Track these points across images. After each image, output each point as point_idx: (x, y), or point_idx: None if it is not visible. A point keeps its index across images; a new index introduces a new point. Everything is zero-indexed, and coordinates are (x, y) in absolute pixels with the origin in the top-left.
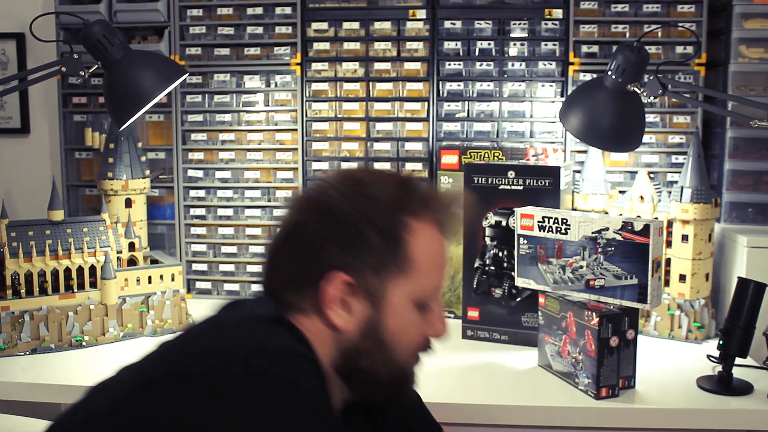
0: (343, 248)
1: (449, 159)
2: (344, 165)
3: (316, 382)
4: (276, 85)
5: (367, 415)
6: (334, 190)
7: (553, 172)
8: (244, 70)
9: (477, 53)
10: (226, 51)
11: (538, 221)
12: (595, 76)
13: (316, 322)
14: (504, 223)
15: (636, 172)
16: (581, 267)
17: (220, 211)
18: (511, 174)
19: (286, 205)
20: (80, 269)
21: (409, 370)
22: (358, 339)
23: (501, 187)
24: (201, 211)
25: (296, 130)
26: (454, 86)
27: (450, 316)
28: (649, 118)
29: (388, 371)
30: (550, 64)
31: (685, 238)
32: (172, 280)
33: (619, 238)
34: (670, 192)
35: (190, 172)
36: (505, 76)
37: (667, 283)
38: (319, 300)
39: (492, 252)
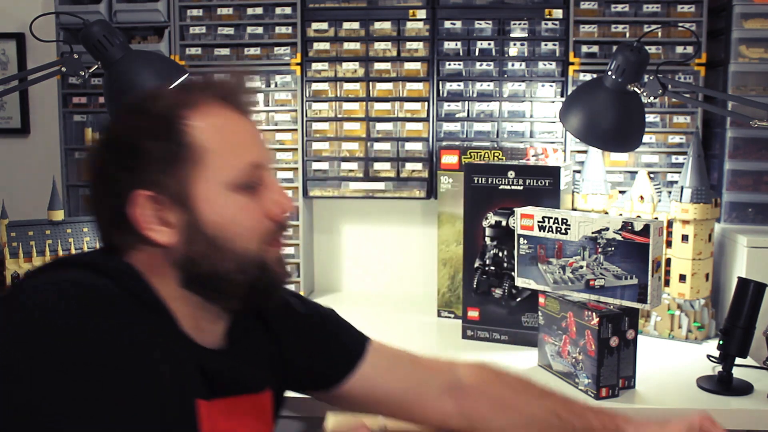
0: (132, 168)
1: (449, 159)
2: (344, 165)
3: (79, 315)
4: (276, 85)
5: (268, 332)
6: (112, 120)
7: (553, 172)
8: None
9: (477, 53)
10: (226, 51)
11: (538, 221)
12: (595, 76)
13: (147, 252)
14: (504, 223)
15: (636, 172)
16: (581, 267)
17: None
18: (511, 174)
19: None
20: None
21: (262, 259)
22: (187, 247)
23: (501, 187)
24: None
25: (296, 130)
26: (454, 86)
27: (450, 317)
28: (649, 118)
29: (234, 266)
30: (550, 64)
31: (685, 238)
32: None
33: (619, 238)
34: (670, 192)
35: None
36: (505, 76)
37: (667, 283)
38: (136, 228)
39: (492, 252)
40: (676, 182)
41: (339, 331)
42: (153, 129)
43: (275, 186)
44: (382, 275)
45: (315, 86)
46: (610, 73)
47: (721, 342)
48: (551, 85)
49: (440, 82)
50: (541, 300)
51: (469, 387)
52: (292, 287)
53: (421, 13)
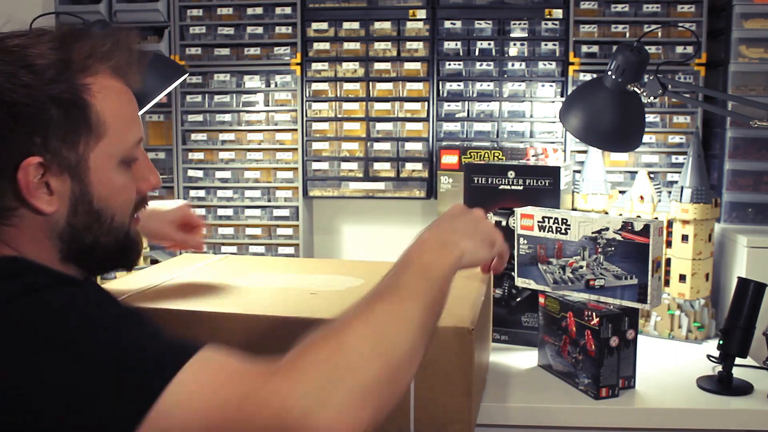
0: (28, 132)
1: (449, 159)
2: (344, 165)
3: None
4: (276, 85)
5: None
6: (7, 77)
7: (553, 172)
8: (244, 70)
9: (477, 53)
10: (226, 51)
11: (538, 221)
12: (595, 76)
13: (27, 220)
14: (504, 223)
15: (636, 172)
16: (581, 267)
17: (220, 211)
18: (511, 174)
19: None
20: None
21: (130, 232)
22: (72, 218)
23: (501, 187)
24: (201, 212)
25: (296, 130)
26: (454, 86)
27: None
28: (649, 118)
29: (112, 239)
30: (550, 64)
31: (685, 238)
32: None
33: (619, 238)
34: (670, 192)
35: (190, 172)
36: (505, 76)
37: (667, 283)
38: (20, 193)
39: None
40: (676, 182)
41: None
42: (53, 91)
43: (147, 161)
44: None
45: (315, 86)
46: (610, 73)
47: (721, 342)
48: (551, 85)
49: (440, 82)
50: (541, 300)
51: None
52: None
53: (421, 13)
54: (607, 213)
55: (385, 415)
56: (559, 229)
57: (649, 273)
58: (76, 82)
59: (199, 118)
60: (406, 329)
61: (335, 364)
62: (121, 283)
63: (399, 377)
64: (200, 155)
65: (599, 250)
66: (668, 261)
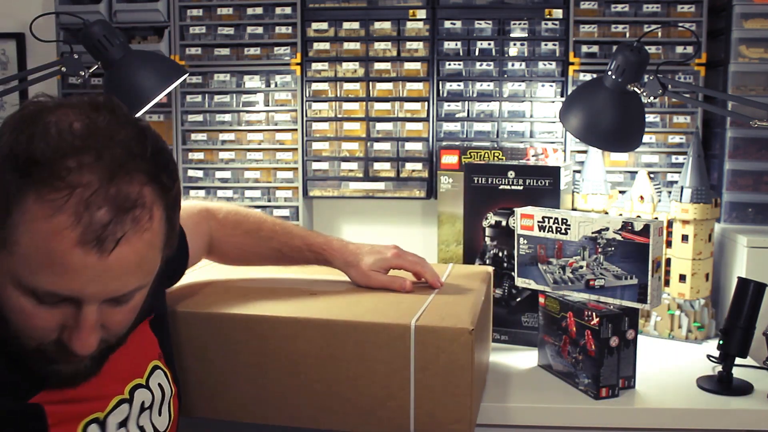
0: None
1: (449, 159)
2: (344, 165)
3: None
4: (276, 85)
5: None
6: None
7: (553, 172)
8: (244, 70)
9: (477, 53)
10: (226, 51)
11: (538, 221)
12: (595, 76)
13: None
14: (504, 223)
15: (636, 172)
16: (581, 267)
17: (205, 201)
18: (511, 174)
19: None
20: None
21: (44, 360)
22: None
23: (501, 187)
24: None
25: (296, 130)
26: (454, 86)
27: None
28: (649, 118)
29: (18, 349)
30: (550, 64)
31: (685, 238)
32: None
33: (619, 238)
34: (670, 192)
35: (190, 172)
36: (505, 76)
37: (667, 283)
38: None
39: (492, 252)
40: (676, 182)
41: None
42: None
43: (83, 322)
44: None
45: (315, 86)
46: (610, 73)
47: (721, 342)
48: (551, 85)
49: (440, 82)
50: (541, 300)
51: (218, 240)
52: None
53: (421, 13)
54: (607, 213)
55: None
56: (559, 229)
57: (649, 273)
58: (14, 190)
59: (199, 118)
60: None
61: None
62: None
63: None
64: (200, 155)
65: (599, 250)
66: (668, 261)
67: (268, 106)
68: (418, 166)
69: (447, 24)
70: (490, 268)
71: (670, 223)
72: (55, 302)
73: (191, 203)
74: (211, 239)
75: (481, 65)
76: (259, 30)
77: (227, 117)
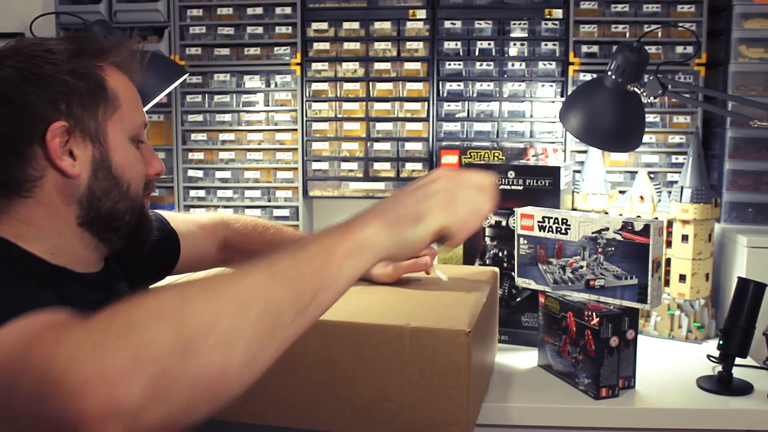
0: (52, 100)
1: (449, 159)
2: (344, 165)
3: None
4: (276, 85)
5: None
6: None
7: (553, 172)
8: (244, 70)
9: (477, 53)
10: (226, 51)
11: (538, 221)
12: (595, 76)
13: (46, 193)
14: (504, 223)
15: (636, 172)
16: (581, 267)
17: (220, 211)
18: (511, 174)
19: None
20: None
21: (144, 207)
22: (92, 183)
23: (501, 187)
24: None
25: (296, 130)
26: (454, 86)
27: None
28: (649, 118)
29: (128, 207)
30: (550, 64)
31: (685, 238)
32: None
33: (619, 238)
34: (670, 192)
35: (190, 172)
36: (505, 76)
37: (667, 283)
38: (49, 157)
39: (492, 252)
40: (676, 182)
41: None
42: (77, 69)
43: (151, 149)
44: None
45: (315, 86)
46: (610, 73)
47: (721, 342)
48: (551, 85)
49: (440, 82)
50: (541, 300)
51: (235, 244)
52: None
53: (421, 13)
54: (607, 213)
55: (185, 402)
56: (559, 229)
57: (649, 273)
58: (91, 63)
59: (199, 118)
60: (223, 301)
61: (112, 320)
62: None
63: (197, 351)
64: (200, 155)
65: (599, 250)
66: (668, 261)
67: (268, 106)
68: (418, 166)
69: (447, 24)
70: (497, 269)
71: (670, 223)
72: (141, 140)
73: (210, 214)
74: (227, 245)
75: (481, 65)
76: (259, 30)
77: (227, 117)
